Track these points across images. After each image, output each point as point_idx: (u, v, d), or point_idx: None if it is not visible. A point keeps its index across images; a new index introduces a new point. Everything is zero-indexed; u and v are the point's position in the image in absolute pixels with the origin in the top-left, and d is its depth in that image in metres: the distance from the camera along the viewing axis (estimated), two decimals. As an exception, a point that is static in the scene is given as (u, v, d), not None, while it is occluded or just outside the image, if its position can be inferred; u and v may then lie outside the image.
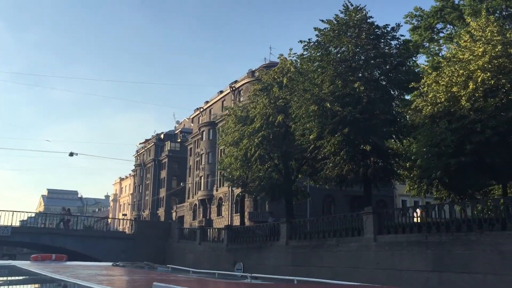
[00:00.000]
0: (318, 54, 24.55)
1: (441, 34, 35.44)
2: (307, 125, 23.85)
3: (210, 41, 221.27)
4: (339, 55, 23.97)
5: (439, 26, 35.62)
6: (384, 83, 23.87)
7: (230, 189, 58.92)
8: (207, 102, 71.59)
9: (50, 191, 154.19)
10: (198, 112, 74.12)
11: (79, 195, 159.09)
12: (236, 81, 62.70)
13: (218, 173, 64.79)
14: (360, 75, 23.30)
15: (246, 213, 53.03)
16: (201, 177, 67.37)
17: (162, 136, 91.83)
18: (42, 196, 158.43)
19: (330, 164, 24.25)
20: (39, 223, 44.12)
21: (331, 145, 23.00)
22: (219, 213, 61.81)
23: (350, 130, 22.10)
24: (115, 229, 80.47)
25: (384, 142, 23.78)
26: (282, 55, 30.99)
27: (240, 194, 39.44)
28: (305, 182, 31.18)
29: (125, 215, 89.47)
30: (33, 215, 51.42)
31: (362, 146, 22.67)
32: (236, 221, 53.79)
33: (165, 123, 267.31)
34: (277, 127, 28.37)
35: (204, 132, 67.86)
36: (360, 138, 22.54)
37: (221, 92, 66.83)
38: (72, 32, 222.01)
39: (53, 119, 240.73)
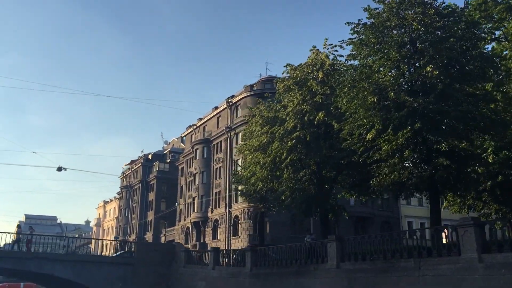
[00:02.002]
0: (371, 36, 20.28)
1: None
2: (364, 121, 19.40)
3: (195, 61, 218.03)
4: (398, 37, 19.68)
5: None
6: (454, 69, 19.46)
7: (227, 210, 54.57)
8: (200, 119, 67.18)
9: (27, 217, 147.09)
10: (190, 129, 69.63)
11: (58, 221, 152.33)
12: (233, 96, 58.66)
13: (214, 193, 60.38)
14: (429, 58, 18.89)
15: (246, 236, 48.63)
16: (194, 198, 63.01)
17: (150, 156, 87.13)
18: (20, 222, 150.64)
19: (386, 169, 19.71)
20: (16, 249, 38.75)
21: (394, 144, 18.50)
22: (214, 236, 57.57)
23: (423, 125, 17.73)
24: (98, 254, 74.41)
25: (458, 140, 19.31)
26: (315, 47, 26.60)
27: (259, 211, 34.60)
28: (339, 195, 26.46)
29: (117, 238, 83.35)
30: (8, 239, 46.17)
31: (435, 145, 18.27)
32: (235, 245, 49.46)
33: (150, 145, 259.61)
34: (315, 126, 23.88)
35: (197, 150, 63.63)
36: (435, 135, 18.16)
37: (216, 108, 62.52)
38: (50, 59, 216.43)
39: (31, 146, 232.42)
